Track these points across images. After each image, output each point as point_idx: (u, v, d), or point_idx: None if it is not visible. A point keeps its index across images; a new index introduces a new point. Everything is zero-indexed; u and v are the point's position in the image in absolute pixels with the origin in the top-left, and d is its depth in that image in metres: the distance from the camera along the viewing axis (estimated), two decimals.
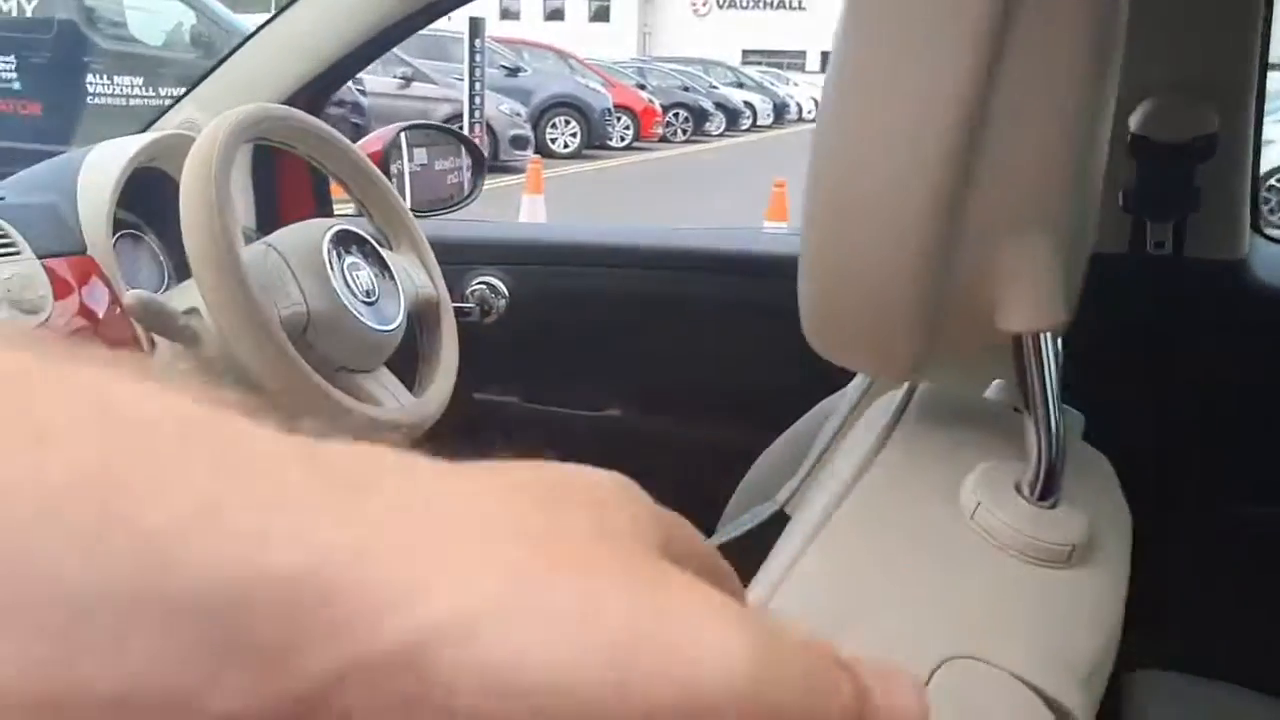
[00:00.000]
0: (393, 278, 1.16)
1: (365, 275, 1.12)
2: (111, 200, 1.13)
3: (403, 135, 1.52)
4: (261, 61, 1.36)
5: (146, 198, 1.22)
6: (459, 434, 1.23)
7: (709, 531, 1.15)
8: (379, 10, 1.30)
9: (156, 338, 1.11)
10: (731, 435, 1.42)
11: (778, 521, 0.78)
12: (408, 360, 1.21)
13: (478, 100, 9.38)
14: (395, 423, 1.09)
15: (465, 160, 1.69)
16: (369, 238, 1.17)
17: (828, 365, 1.19)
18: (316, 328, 1.06)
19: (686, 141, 16.27)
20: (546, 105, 12.90)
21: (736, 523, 0.83)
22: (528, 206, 7.31)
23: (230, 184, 1.00)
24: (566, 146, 12.92)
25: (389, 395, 1.13)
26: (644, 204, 9.33)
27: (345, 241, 1.12)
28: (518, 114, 11.16)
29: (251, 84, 1.33)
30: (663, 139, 15.47)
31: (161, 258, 1.27)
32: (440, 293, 1.25)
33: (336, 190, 1.37)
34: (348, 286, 1.09)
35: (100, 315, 1.08)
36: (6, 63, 7.78)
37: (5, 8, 7.78)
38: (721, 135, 17.47)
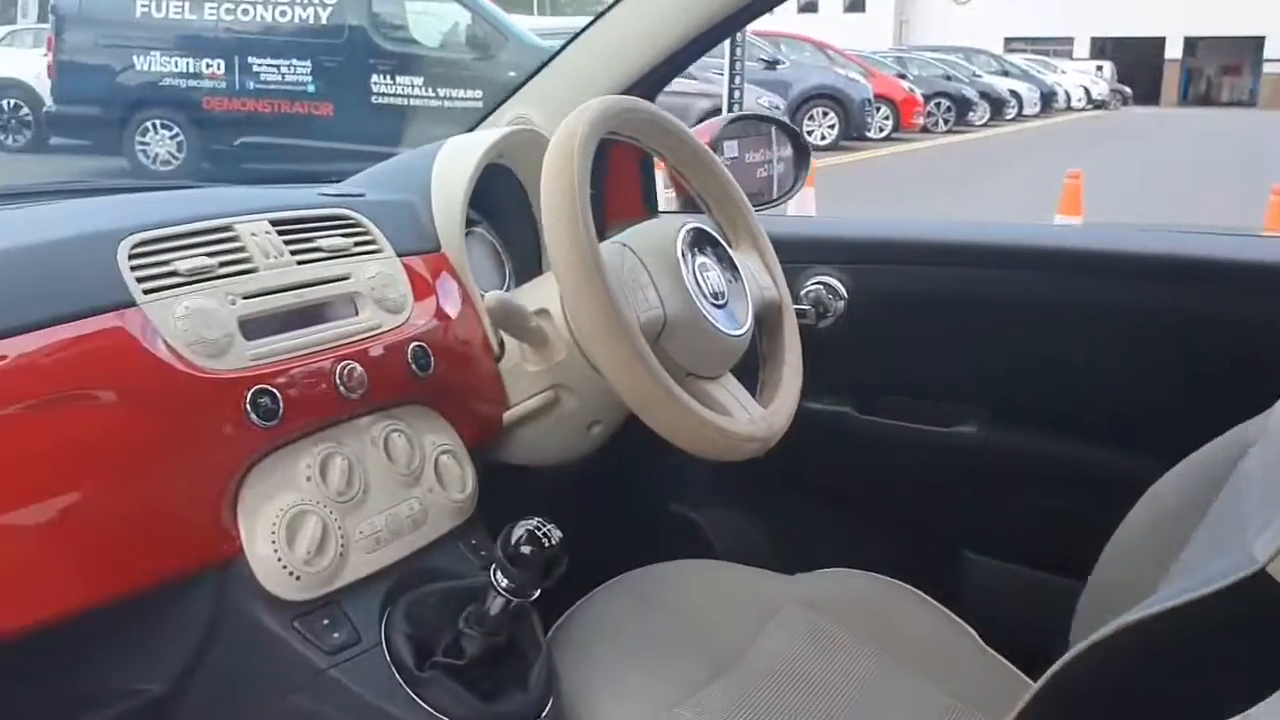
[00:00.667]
0: (739, 279, 1.09)
1: (715, 276, 1.06)
2: (465, 197, 1.11)
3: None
4: (593, 58, 1.32)
5: (487, 194, 1.20)
6: (787, 446, 1.14)
7: (1085, 570, 1.02)
8: (709, 5, 1.24)
9: (505, 338, 1.08)
10: (1108, 460, 1.26)
11: (1260, 585, 0.64)
12: (745, 366, 1.13)
13: (737, 95, 9.32)
14: (749, 436, 1.02)
15: (777, 152, 1.61)
16: (719, 237, 1.10)
17: (1234, 383, 1.02)
18: (672, 332, 1.01)
19: (948, 132, 15.75)
20: (805, 97, 12.79)
21: (1197, 580, 0.70)
22: (798, 200, 7.20)
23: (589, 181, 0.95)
24: (824, 139, 12.75)
25: (737, 405, 1.05)
26: (914, 196, 9.05)
27: (698, 241, 1.06)
28: (776, 107, 11.06)
29: (584, 80, 1.30)
30: (923, 129, 15.04)
31: (503, 255, 1.25)
32: (783, 294, 1.18)
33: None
34: (699, 288, 1.03)
35: (453, 315, 1.06)
36: (303, 67, 8.36)
37: (304, 15, 8.36)
38: (985, 125, 16.83)
